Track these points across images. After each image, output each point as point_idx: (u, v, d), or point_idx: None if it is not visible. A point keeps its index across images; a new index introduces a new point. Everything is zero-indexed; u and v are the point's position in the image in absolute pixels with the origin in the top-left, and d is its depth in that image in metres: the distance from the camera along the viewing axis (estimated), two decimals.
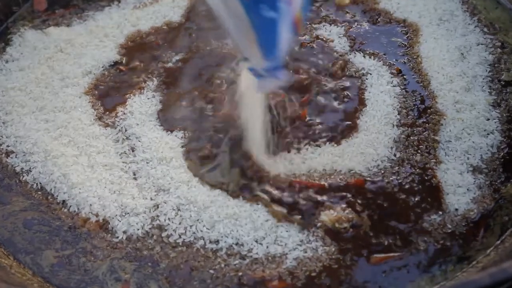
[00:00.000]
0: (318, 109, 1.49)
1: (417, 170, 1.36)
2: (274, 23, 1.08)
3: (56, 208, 1.35)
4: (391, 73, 1.57)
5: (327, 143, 1.42)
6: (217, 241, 1.26)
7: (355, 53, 1.63)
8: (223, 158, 1.40)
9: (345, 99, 1.51)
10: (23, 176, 1.41)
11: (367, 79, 1.56)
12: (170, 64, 1.64)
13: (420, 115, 1.47)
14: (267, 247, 1.24)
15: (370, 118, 1.46)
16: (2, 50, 1.71)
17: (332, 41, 1.67)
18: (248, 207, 1.30)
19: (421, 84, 1.54)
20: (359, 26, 1.72)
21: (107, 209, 1.31)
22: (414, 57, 1.61)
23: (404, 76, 1.56)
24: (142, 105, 1.53)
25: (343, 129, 1.45)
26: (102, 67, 1.63)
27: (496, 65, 1.57)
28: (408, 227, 1.27)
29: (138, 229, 1.29)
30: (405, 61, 1.60)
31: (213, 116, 1.49)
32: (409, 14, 1.73)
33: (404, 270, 1.21)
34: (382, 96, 1.51)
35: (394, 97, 1.51)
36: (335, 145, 1.41)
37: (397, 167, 1.37)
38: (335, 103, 1.50)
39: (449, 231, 1.26)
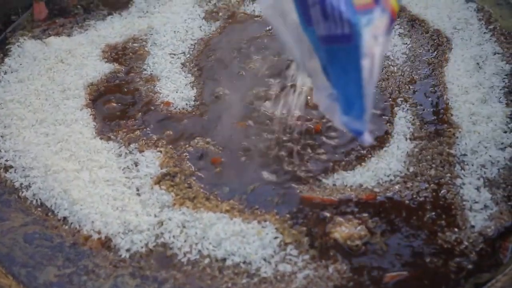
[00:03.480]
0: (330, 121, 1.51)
1: (432, 185, 1.37)
2: (357, 66, 1.01)
3: (57, 225, 1.36)
4: None
5: (341, 158, 1.44)
6: (224, 259, 1.27)
7: None
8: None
9: None
10: (23, 192, 1.43)
11: None
12: None
13: (434, 128, 1.48)
14: (276, 265, 1.25)
15: (381, 131, 1.49)
16: (0, 61, 1.73)
17: None
18: (256, 224, 1.31)
19: (435, 95, 1.55)
20: None
21: (110, 226, 1.33)
22: None
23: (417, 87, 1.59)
24: None
25: (355, 143, 1.47)
26: (104, 78, 1.66)
27: None
28: (422, 244, 1.28)
29: (142, 247, 1.30)
30: None
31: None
32: None
33: None
34: (393, 107, 1.53)
35: (407, 109, 1.52)
36: (346, 160, 1.44)
37: (410, 182, 1.38)
38: None
39: (465, 248, 1.27)
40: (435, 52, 1.67)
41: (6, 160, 1.48)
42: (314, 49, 1.08)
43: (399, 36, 1.72)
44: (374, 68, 1.02)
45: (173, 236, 1.31)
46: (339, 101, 1.08)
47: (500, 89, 1.54)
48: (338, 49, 1.02)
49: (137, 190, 1.40)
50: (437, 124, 1.49)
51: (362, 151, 1.44)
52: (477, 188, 1.36)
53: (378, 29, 1.01)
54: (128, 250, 1.30)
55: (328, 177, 1.40)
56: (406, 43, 1.70)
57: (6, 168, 1.47)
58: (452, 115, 1.50)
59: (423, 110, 1.52)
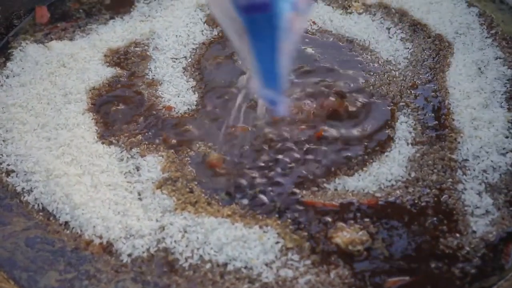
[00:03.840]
0: (332, 126, 1.52)
1: (433, 190, 1.37)
2: (272, 40, 1.03)
3: (59, 229, 1.36)
4: None
5: (342, 163, 1.44)
6: (225, 265, 1.27)
7: None
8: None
9: (358, 116, 1.53)
10: (24, 196, 1.43)
11: None
12: None
13: (436, 133, 1.48)
14: (277, 270, 1.25)
15: (383, 136, 1.49)
16: (2, 65, 1.73)
17: None
18: (257, 229, 1.31)
19: (437, 100, 1.56)
20: None
21: (111, 231, 1.33)
22: None
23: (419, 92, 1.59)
24: None
25: (357, 147, 1.47)
26: (106, 82, 1.66)
27: None
28: (424, 250, 1.28)
29: (144, 252, 1.30)
30: None
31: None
32: None
33: None
34: (395, 112, 1.53)
35: (408, 114, 1.52)
36: (348, 165, 1.44)
37: (412, 187, 1.38)
38: (349, 120, 1.53)
39: (467, 254, 1.27)
40: (437, 57, 1.67)
41: (8, 165, 1.49)
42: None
43: (401, 40, 1.73)
44: (291, 38, 1.04)
45: (175, 241, 1.31)
46: (259, 74, 1.10)
47: (502, 94, 1.54)
48: (257, 18, 1.02)
49: (139, 194, 1.40)
50: (439, 129, 1.49)
51: (364, 156, 1.45)
52: (479, 193, 1.36)
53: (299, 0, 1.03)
54: (129, 255, 1.30)
55: (329, 182, 1.40)
56: (408, 48, 1.71)
57: (8, 173, 1.48)
58: (453, 120, 1.50)
59: (425, 115, 1.53)
